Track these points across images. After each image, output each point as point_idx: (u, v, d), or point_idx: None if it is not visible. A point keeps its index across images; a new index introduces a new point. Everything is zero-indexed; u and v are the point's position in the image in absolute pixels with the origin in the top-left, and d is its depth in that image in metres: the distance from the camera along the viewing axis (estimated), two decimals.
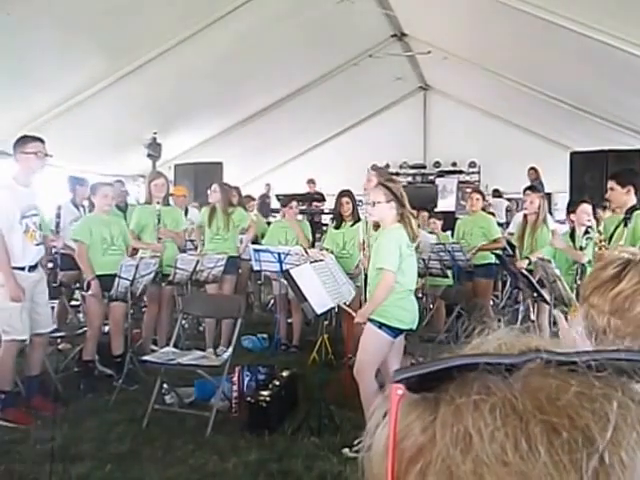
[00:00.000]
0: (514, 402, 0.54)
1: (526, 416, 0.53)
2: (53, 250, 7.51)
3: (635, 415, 0.54)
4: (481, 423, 0.53)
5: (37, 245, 6.18)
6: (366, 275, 5.85)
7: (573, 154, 12.14)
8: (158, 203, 7.98)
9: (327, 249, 8.16)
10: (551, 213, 11.85)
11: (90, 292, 7.05)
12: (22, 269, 6.00)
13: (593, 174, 11.10)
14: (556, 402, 0.53)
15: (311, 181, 15.56)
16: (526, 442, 0.52)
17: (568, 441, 0.51)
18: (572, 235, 7.54)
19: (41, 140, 6.09)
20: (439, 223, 10.02)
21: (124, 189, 9.54)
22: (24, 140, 6.07)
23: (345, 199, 8.17)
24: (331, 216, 11.88)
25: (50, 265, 7.77)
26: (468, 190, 11.85)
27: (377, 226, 5.64)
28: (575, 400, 0.53)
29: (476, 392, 0.55)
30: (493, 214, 10.62)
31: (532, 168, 13.90)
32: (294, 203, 9.29)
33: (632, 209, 6.15)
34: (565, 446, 0.51)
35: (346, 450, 5.31)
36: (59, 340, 7.94)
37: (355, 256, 7.79)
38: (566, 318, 2.19)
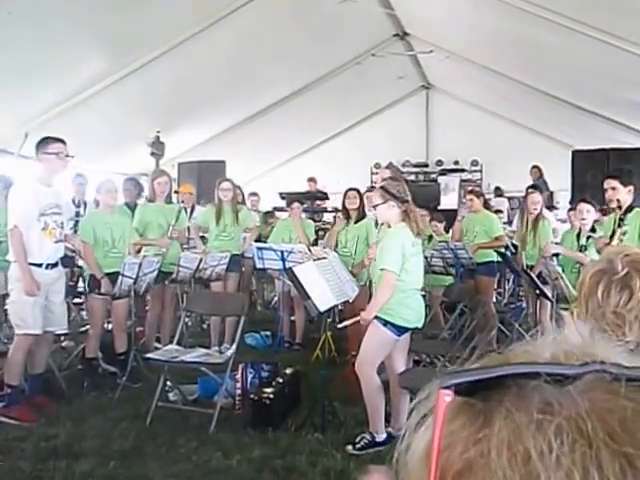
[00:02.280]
0: (581, 424, 0.49)
1: (597, 443, 0.48)
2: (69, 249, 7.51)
3: None
4: (544, 446, 0.49)
5: (56, 242, 6.21)
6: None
7: (575, 152, 12.15)
8: (176, 201, 8.00)
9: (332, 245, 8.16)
10: (550, 209, 11.86)
11: (102, 290, 7.04)
12: (39, 266, 6.03)
13: (594, 172, 11.06)
14: (631, 429, 0.48)
15: (312, 179, 15.52)
16: (597, 473, 0.47)
17: None
18: (578, 235, 7.52)
19: (63, 141, 6.18)
20: (440, 225, 9.98)
21: (135, 188, 9.44)
22: (46, 141, 6.16)
23: (352, 193, 8.14)
24: (333, 214, 11.87)
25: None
26: (469, 188, 11.82)
27: (376, 223, 5.64)
28: None
29: (538, 408, 0.51)
30: (501, 211, 10.58)
31: (535, 166, 13.87)
32: (296, 204, 9.26)
33: (629, 209, 6.15)
34: None
35: (349, 447, 5.30)
36: (62, 338, 7.94)
37: (358, 253, 7.79)
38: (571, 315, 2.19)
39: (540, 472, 0.47)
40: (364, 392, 5.38)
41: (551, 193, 12.75)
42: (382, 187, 5.44)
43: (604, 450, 0.47)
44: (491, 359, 0.59)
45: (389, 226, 5.54)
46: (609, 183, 6.57)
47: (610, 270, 1.90)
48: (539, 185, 13.14)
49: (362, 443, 5.38)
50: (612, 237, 5.96)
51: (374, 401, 5.36)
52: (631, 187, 6.39)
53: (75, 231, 7.51)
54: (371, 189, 8.20)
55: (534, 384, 0.52)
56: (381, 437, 5.40)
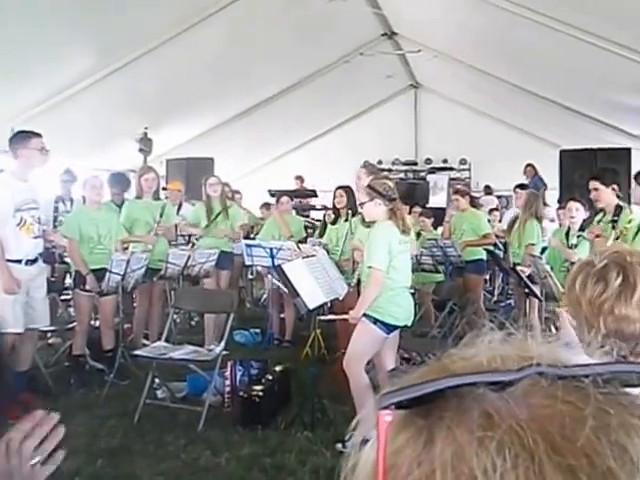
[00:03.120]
0: (522, 436, 0.47)
1: (539, 455, 0.46)
2: (49, 245, 7.43)
3: None
4: (488, 464, 0.47)
5: (35, 238, 6.13)
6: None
7: (562, 152, 12.15)
8: (163, 198, 7.95)
9: (326, 244, 8.13)
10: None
11: (87, 287, 6.98)
12: (18, 262, 5.95)
13: (582, 172, 11.07)
14: (571, 438, 0.47)
15: (299, 178, 15.49)
16: None
17: None
18: (567, 233, 7.53)
19: (41, 135, 6.06)
20: (428, 221, 9.99)
21: (122, 183, 9.35)
22: (27, 136, 6.07)
23: (339, 191, 8.11)
24: (323, 212, 11.85)
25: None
26: (455, 187, 11.83)
27: (366, 223, 5.61)
28: (592, 435, 0.47)
29: (478, 424, 0.49)
30: (497, 209, 10.57)
31: (529, 165, 13.82)
32: (285, 198, 9.24)
33: (618, 209, 6.16)
34: None
35: (339, 445, 5.26)
36: (49, 334, 7.87)
37: (345, 251, 7.75)
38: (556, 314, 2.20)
39: None
40: (353, 390, 5.35)
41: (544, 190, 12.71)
42: (368, 185, 5.43)
43: (547, 463, 0.47)
44: (430, 369, 0.58)
45: (367, 225, 5.54)
46: (592, 184, 6.60)
47: (591, 263, 1.91)
48: (536, 182, 13.21)
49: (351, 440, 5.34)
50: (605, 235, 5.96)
51: (363, 399, 5.32)
52: (614, 186, 6.41)
53: (55, 226, 7.44)
54: (346, 188, 8.12)
55: (473, 394, 0.51)
56: (371, 435, 5.36)
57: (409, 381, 0.53)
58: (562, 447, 0.47)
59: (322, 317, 6.79)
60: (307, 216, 13.00)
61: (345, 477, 0.59)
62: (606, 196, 6.40)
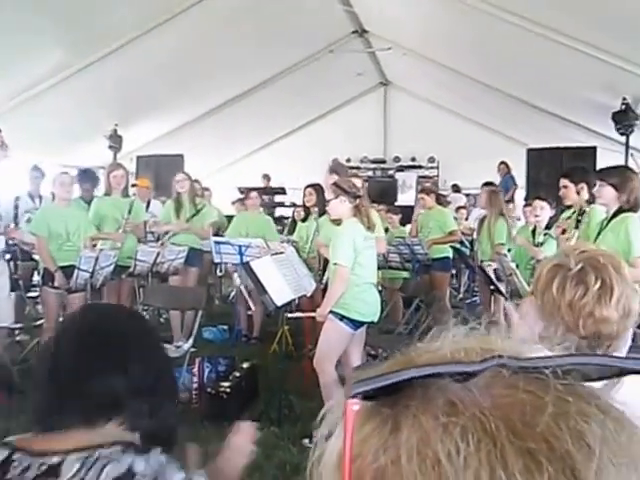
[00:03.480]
0: (485, 423, 0.50)
1: (500, 440, 0.49)
2: (10, 242, 7.39)
3: (613, 435, 0.51)
4: (452, 448, 0.49)
5: None
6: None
7: (529, 151, 12.27)
8: (132, 195, 7.91)
9: (295, 242, 8.16)
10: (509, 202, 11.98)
11: (56, 284, 6.94)
12: None
13: (548, 170, 11.21)
14: (531, 424, 0.50)
15: (266, 176, 15.47)
16: (503, 471, 0.48)
17: (548, 470, 0.48)
18: (534, 231, 7.61)
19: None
20: (396, 218, 10.04)
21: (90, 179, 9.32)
22: None
23: (308, 190, 8.15)
24: (292, 210, 11.87)
25: (8, 257, 7.63)
26: (420, 187, 11.90)
27: (336, 222, 5.63)
28: (551, 421, 0.50)
29: (442, 411, 0.52)
30: (464, 207, 10.64)
31: (502, 162, 13.89)
32: (254, 194, 9.24)
33: (583, 209, 6.23)
34: (545, 475, 0.48)
35: (306, 440, 5.30)
36: (17, 332, 7.82)
37: (313, 249, 7.79)
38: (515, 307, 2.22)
39: (450, 475, 0.48)
40: (322, 387, 5.39)
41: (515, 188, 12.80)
42: (334, 183, 5.46)
43: (508, 447, 0.48)
44: (396, 361, 0.59)
45: (338, 223, 5.57)
46: (562, 182, 6.68)
47: (566, 265, 1.92)
48: (507, 181, 13.31)
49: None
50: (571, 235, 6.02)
51: (333, 396, 5.35)
52: (583, 185, 6.48)
53: (16, 224, 7.39)
54: (315, 186, 8.16)
55: (438, 385, 0.53)
56: (336, 428, 5.40)
57: (376, 372, 0.55)
58: (523, 432, 0.49)
59: (290, 314, 6.83)
60: (272, 214, 13.02)
61: (311, 468, 0.61)
62: (573, 194, 6.48)
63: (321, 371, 5.36)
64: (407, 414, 0.53)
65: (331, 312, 5.25)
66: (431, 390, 0.53)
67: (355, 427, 0.53)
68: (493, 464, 0.48)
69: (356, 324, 5.35)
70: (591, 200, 6.45)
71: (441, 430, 0.50)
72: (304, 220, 8.37)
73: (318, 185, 8.19)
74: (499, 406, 0.51)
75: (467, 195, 15.17)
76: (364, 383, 0.53)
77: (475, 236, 8.89)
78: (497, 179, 13.07)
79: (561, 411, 0.51)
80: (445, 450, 0.49)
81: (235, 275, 8.83)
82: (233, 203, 12.24)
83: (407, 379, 0.53)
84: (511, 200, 12.81)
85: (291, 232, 8.59)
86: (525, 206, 9.58)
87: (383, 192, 14.18)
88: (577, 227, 5.89)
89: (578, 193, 6.55)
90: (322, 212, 8.00)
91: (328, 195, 5.42)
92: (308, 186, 8.23)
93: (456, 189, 15.38)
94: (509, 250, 8.23)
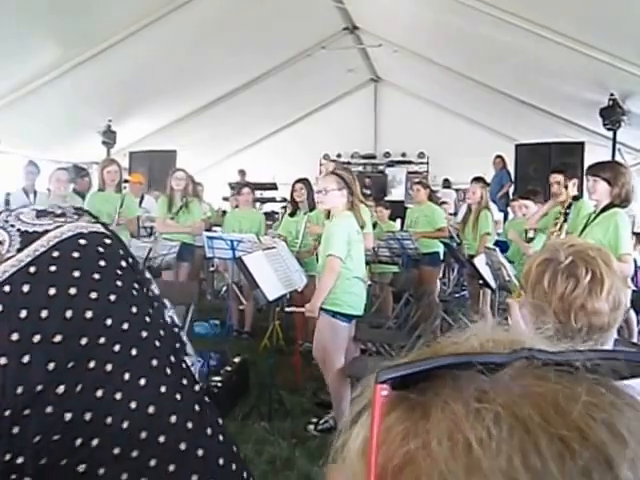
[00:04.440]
0: (517, 411, 0.49)
1: (533, 428, 0.48)
2: None
3: None
4: (484, 434, 0.48)
5: None
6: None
7: (518, 146, 12.26)
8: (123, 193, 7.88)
9: (281, 236, 8.13)
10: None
11: None
12: None
13: (537, 166, 11.23)
14: (564, 412, 0.49)
15: (242, 172, 15.42)
16: (537, 457, 0.46)
17: (582, 457, 0.47)
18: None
19: None
20: (385, 212, 10.04)
21: (87, 177, 9.30)
22: None
23: (299, 185, 8.14)
24: (282, 204, 11.85)
25: None
26: (416, 180, 11.88)
27: (329, 214, 5.61)
28: (584, 410, 0.49)
29: (474, 398, 0.50)
30: (446, 202, 10.65)
31: (498, 156, 13.86)
32: (246, 189, 9.22)
33: (570, 203, 6.24)
34: (579, 462, 0.46)
35: (311, 427, 5.38)
36: None
37: (306, 243, 7.78)
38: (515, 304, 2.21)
39: (481, 459, 0.47)
40: (330, 384, 5.37)
41: (515, 183, 12.74)
42: (339, 175, 5.43)
43: (541, 434, 0.47)
44: (423, 352, 0.59)
45: (326, 214, 5.57)
46: (554, 178, 6.70)
47: (556, 259, 1.93)
48: (502, 176, 13.31)
49: (325, 426, 5.40)
50: (560, 229, 6.02)
51: (340, 393, 5.34)
52: (575, 180, 6.50)
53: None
54: (305, 181, 8.18)
55: (467, 374, 0.52)
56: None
57: (405, 360, 0.55)
58: (555, 420, 0.48)
59: (288, 309, 6.81)
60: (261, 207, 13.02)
61: (334, 454, 0.60)
62: (568, 189, 6.49)
63: (329, 370, 5.33)
64: (437, 401, 0.52)
65: (323, 310, 5.21)
66: (461, 379, 0.52)
67: (382, 414, 0.52)
68: (526, 450, 0.47)
69: (349, 318, 5.34)
70: (579, 195, 6.47)
71: (473, 416, 0.49)
72: (292, 215, 8.34)
73: (306, 180, 8.20)
74: (531, 395, 0.50)
75: (456, 190, 15.19)
76: (394, 369, 0.52)
77: (460, 232, 8.88)
78: (490, 173, 13.09)
79: (594, 401, 0.50)
80: (477, 435, 0.48)
81: (226, 274, 8.82)
82: (225, 199, 12.22)
83: (437, 367, 0.52)
84: (506, 195, 12.82)
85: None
86: (513, 201, 9.59)
87: (373, 187, 14.20)
88: (565, 220, 5.88)
89: (566, 187, 6.55)
90: (312, 207, 8.00)
91: (330, 184, 5.35)
92: (298, 181, 8.23)
93: (447, 184, 15.40)
94: (503, 243, 8.25)
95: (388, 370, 0.52)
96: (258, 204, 11.81)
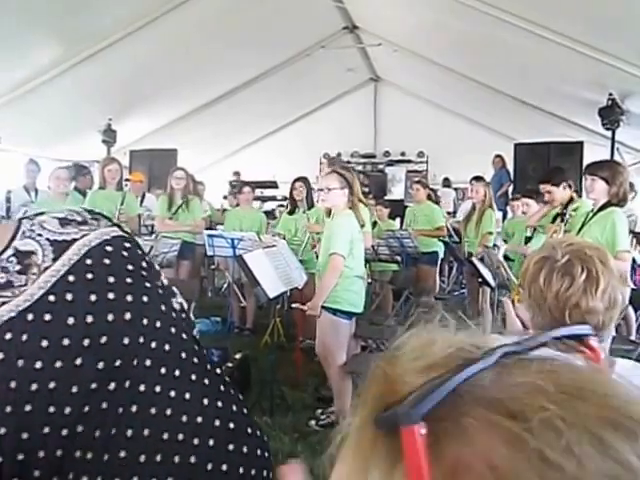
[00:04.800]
0: (567, 413, 0.44)
1: (587, 419, 0.44)
2: None
3: None
4: (555, 443, 0.42)
5: None
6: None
7: (517, 145, 12.27)
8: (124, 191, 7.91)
9: (280, 234, 8.17)
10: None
11: None
12: None
13: (536, 165, 11.24)
14: (593, 396, 0.46)
15: (236, 173, 15.45)
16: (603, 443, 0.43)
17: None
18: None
19: None
20: (385, 211, 10.08)
21: (88, 175, 9.32)
22: None
23: (298, 183, 8.19)
24: (279, 203, 11.88)
25: None
26: (415, 179, 11.91)
27: (329, 213, 5.64)
28: (597, 387, 0.47)
29: (496, 411, 0.45)
30: (438, 203, 10.70)
31: (498, 156, 13.87)
32: (247, 188, 9.25)
33: (568, 203, 6.27)
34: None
35: (312, 422, 5.43)
36: None
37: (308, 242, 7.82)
38: (512, 303, 2.22)
39: (567, 470, 0.42)
40: (332, 380, 5.42)
41: (513, 182, 12.74)
42: (341, 174, 5.46)
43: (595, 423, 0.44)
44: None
45: (327, 213, 5.60)
46: (544, 188, 6.72)
47: (552, 257, 1.94)
48: (501, 176, 13.32)
49: (326, 421, 5.45)
50: (558, 230, 6.06)
51: (342, 389, 5.38)
52: (564, 184, 6.53)
53: (9, 217, 7.39)
54: (305, 179, 8.27)
55: (464, 389, 0.46)
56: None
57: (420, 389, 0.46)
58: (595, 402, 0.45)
59: (294, 305, 6.85)
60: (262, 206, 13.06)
61: None
62: (560, 195, 6.52)
63: (330, 366, 5.37)
64: (450, 429, 0.45)
65: (324, 308, 5.26)
66: (460, 396, 0.46)
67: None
68: (594, 442, 0.43)
69: (350, 315, 5.38)
70: (575, 195, 6.51)
71: (542, 427, 0.43)
72: (291, 213, 8.38)
73: (305, 179, 8.27)
74: (556, 383, 0.46)
75: (455, 189, 15.22)
76: (421, 399, 0.44)
77: (462, 230, 8.91)
78: (489, 172, 13.10)
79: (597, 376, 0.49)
80: (551, 445, 0.42)
81: (227, 273, 8.85)
82: (225, 197, 12.24)
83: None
84: (505, 194, 12.85)
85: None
86: (512, 200, 9.62)
87: (373, 186, 14.21)
88: (562, 220, 5.92)
89: (549, 192, 6.62)
90: (310, 205, 8.06)
91: (332, 182, 5.38)
92: (298, 179, 8.27)
93: (447, 184, 15.40)
94: (505, 242, 8.30)
95: (417, 403, 0.44)
96: (259, 203, 11.86)
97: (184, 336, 0.98)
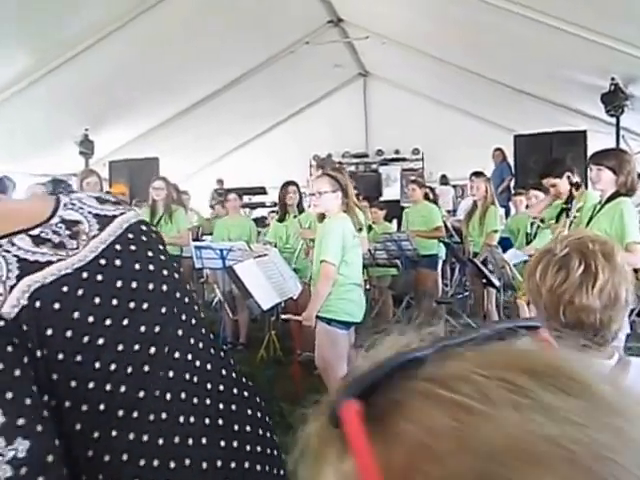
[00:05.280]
0: (488, 371, 0.50)
1: (505, 372, 0.49)
2: None
3: None
4: (475, 394, 0.48)
5: None
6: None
7: (517, 137, 12.24)
8: None
9: (271, 242, 8.15)
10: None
11: None
12: None
13: (537, 157, 11.19)
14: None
15: (220, 181, 15.42)
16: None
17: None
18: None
19: None
20: (380, 213, 10.06)
21: (68, 188, 9.29)
22: None
23: (292, 188, 8.17)
24: (270, 209, 11.86)
25: None
26: (411, 178, 11.91)
27: (322, 218, 5.61)
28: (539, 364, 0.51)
29: (433, 384, 0.50)
30: (436, 202, 10.70)
31: (498, 149, 13.84)
32: (232, 195, 9.23)
33: (570, 197, 6.27)
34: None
35: None
36: None
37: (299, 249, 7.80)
38: (515, 303, 2.22)
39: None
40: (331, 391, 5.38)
41: (515, 176, 12.70)
42: (332, 176, 5.44)
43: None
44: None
45: (322, 218, 5.57)
46: (547, 182, 6.73)
47: (552, 250, 1.93)
48: (502, 169, 13.31)
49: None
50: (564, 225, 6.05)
51: None
52: (568, 174, 6.54)
53: None
54: (296, 184, 8.26)
55: (400, 374, 0.51)
56: None
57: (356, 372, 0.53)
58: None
59: (284, 316, 6.83)
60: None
61: None
62: (565, 187, 6.53)
63: (331, 378, 5.34)
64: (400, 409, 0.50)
65: (318, 318, 5.23)
66: (398, 378, 0.51)
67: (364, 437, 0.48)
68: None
69: (347, 325, 5.35)
70: (577, 186, 6.51)
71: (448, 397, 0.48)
72: (281, 220, 8.33)
73: (296, 183, 8.26)
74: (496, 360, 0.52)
75: (454, 186, 15.20)
76: (357, 381, 0.51)
77: (464, 228, 8.89)
78: (489, 167, 13.09)
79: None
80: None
81: (216, 287, 8.83)
82: (212, 206, 12.20)
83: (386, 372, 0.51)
84: (507, 189, 12.84)
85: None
86: (515, 195, 9.61)
87: (366, 187, 14.18)
88: (567, 216, 5.91)
89: (554, 186, 6.63)
90: (300, 210, 8.05)
91: (323, 186, 5.36)
92: (289, 183, 8.24)
93: (444, 181, 15.37)
94: (506, 239, 8.29)
95: (351, 383, 0.50)
96: (247, 210, 11.83)
97: (194, 322, 1.16)
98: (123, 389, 0.97)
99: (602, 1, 7.83)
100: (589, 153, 7.46)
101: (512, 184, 12.57)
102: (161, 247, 1.14)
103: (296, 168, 13.73)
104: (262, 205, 13.89)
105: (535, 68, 11.06)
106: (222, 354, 1.20)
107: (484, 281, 7.38)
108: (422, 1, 10.29)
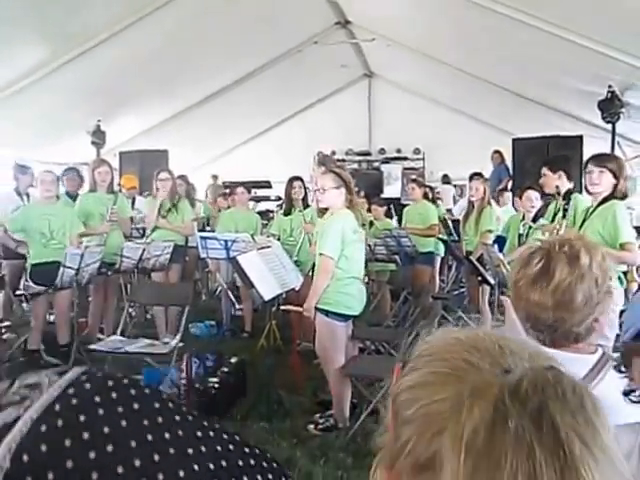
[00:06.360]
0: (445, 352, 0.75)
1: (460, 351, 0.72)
2: None
3: None
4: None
5: None
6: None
7: (515, 140, 12.26)
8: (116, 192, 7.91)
9: (274, 235, 8.16)
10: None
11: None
12: None
13: (535, 160, 11.18)
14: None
15: (214, 177, 15.41)
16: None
17: None
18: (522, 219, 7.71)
19: None
20: (381, 210, 10.08)
21: (76, 178, 9.28)
22: None
23: (298, 183, 8.19)
24: (277, 203, 11.86)
25: None
26: (411, 177, 11.91)
27: (322, 213, 5.63)
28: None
29: None
30: (434, 201, 10.71)
31: (496, 151, 13.84)
32: (240, 189, 9.23)
33: (567, 194, 6.28)
34: None
35: (311, 427, 5.40)
36: (4, 330, 7.81)
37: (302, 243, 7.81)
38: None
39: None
40: (331, 384, 5.41)
41: (513, 179, 12.67)
42: (336, 173, 5.46)
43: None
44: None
45: (323, 213, 5.59)
46: (542, 170, 6.77)
47: (530, 249, 1.94)
48: (500, 171, 13.31)
49: (325, 425, 5.44)
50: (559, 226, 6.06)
51: (340, 392, 5.39)
52: (560, 173, 6.55)
53: None
54: (301, 179, 8.28)
55: None
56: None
57: None
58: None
59: (283, 307, 6.85)
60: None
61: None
62: (551, 181, 6.56)
63: (329, 372, 5.37)
64: None
65: (317, 310, 5.26)
66: None
67: None
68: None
69: (345, 317, 5.37)
70: (571, 190, 6.52)
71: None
72: (287, 214, 8.33)
73: (301, 178, 8.27)
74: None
75: (455, 186, 15.22)
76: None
77: (461, 228, 8.91)
78: (487, 168, 13.09)
79: None
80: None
81: (218, 275, 8.84)
82: (216, 199, 12.21)
83: None
84: (505, 190, 12.84)
85: None
86: (515, 196, 9.63)
87: (368, 184, 14.20)
88: (564, 216, 5.92)
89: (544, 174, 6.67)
90: (306, 205, 8.07)
91: (327, 182, 5.37)
92: (296, 178, 8.25)
93: (446, 180, 15.38)
94: (501, 238, 8.30)
95: None
96: (252, 203, 11.84)
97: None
98: None
99: (601, 10, 7.82)
100: (585, 158, 7.46)
101: (509, 185, 12.57)
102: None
103: (301, 163, 13.71)
104: (267, 199, 13.89)
105: (535, 74, 11.07)
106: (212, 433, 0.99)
107: (479, 279, 7.40)
108: (427, 6, 10.27)
